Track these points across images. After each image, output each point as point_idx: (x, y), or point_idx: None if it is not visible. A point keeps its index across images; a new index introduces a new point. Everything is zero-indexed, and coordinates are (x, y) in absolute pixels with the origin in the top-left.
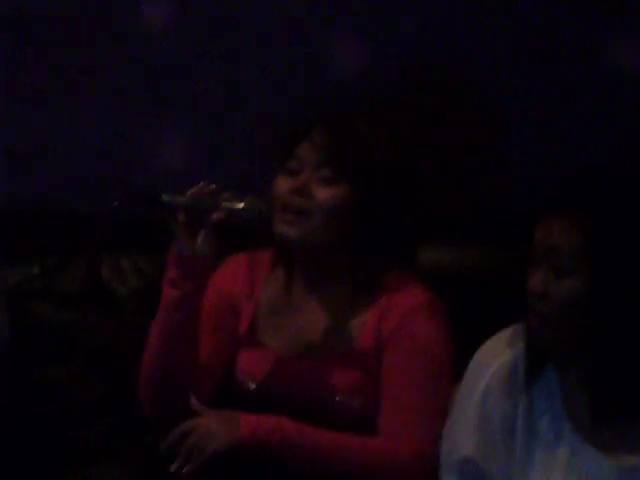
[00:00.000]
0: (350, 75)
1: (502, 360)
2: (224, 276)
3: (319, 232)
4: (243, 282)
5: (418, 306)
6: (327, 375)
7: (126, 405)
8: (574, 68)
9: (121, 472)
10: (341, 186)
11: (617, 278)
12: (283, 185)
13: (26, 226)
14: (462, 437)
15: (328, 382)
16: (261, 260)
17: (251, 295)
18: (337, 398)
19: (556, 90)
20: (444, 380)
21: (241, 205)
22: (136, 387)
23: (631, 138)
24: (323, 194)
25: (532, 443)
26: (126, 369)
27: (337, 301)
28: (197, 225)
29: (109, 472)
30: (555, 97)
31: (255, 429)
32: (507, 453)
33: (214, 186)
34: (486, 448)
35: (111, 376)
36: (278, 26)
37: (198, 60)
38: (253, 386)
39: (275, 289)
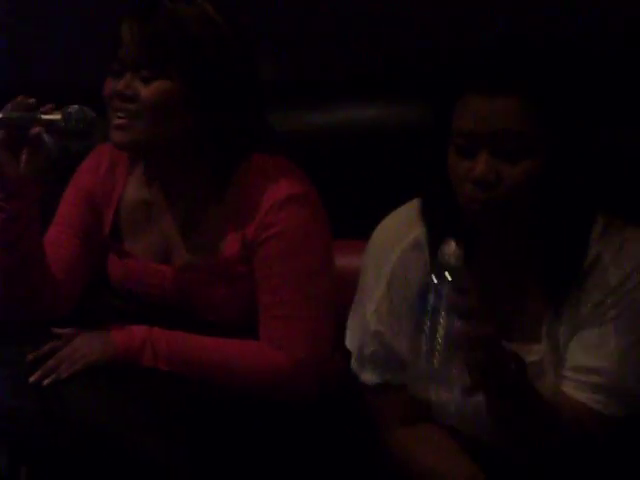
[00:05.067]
0: None
1: (405, 243)
2: (86, 171)
3: (150, 132)
4: (104, 180)
5: (279, 200)
6: (196, 291)
7: None
8: None
9: None
10: (163, 81)
11: (575, 150)
12: (108, 88)
13: None
14: (370, 322)
15: (198, 299)
16: (122, 155)
17: (111, 195)
18: (209, 317)
19: None
20: (321, 278)
21: (59, 116)
22: None
23: None
24: (144, 94)
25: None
26: None
27: (196, 203)
28: (18, 142)
29: None
30: None
31: (127, 340)
32: (416, 332)
33: (32, 100)
34: (395, 327)
35: None
36: None
37: None
38: (121, 300)
39: (134, 189)
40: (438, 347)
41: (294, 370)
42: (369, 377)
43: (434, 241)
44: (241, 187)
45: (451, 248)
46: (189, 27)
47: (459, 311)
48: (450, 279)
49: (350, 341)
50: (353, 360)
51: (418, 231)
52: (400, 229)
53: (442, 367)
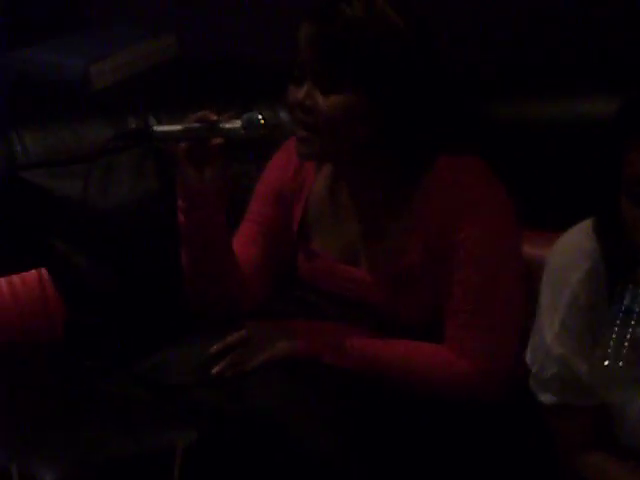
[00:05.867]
0: None
1: (584, 267)
2: (276, 167)
3: (332, 146)
4: (294, 177)
5: (465, 205)
6: (380, 295)
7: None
8: None
9: None
10: (341, 94)
11: None
12: (291, 97)
13: None
14: (552, 346)
15: (381, 302)
16: None
17: (300, 193)
18: (391, 320)
19: None
20: (512, 286)
21: (239, 123)
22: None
23: None
24: (323, 107)
25: None
26: None
27: (382, 207)
28: (200, 153)
29: None
30: None
31: (310, 336)
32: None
33: (214, 117)
34: (575, 349)
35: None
36: None
37: None
38: (312, 296)
39: (322, 188)
40: (626, 345)
41: (478, 381)
42: (549, 397)
43: (611, 267)
44: (426, 191)
45: None
46: (367, 34)
47: None
48: None
49: (530, 359)
50: (532, 379)
51: (596, 255)
52: (577, 252)
53: (628, 368)
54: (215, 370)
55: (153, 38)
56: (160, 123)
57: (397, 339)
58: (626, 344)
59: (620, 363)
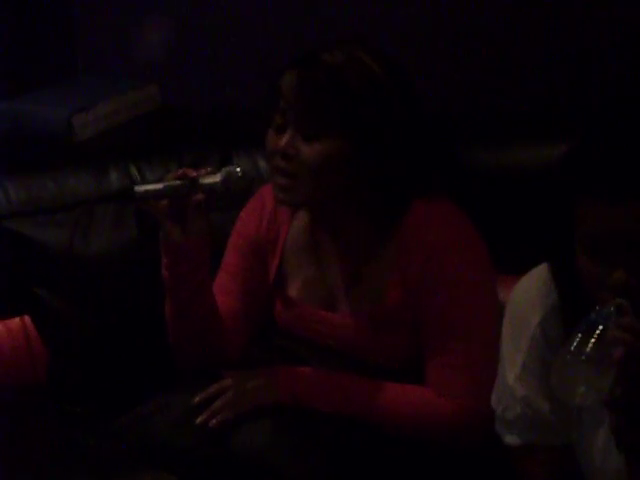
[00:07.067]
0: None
1: (544, 310)
2: (250, 217)
3: (312, 192)
4: (268, 226)
5: (441, 247)
6: (361, 338)
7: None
8: None
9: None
10: (325, 140)
11: None
12: (271, 144)
13: None
14: (515, 387)
15: (362, 344)
16: None
17: (276, 242)
18: (373, 361)
19: None
20: (489, 326)
21: (218, 179)
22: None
23: None
24: (306, 155)
25: None
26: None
27: (360, 251)
28: (180, 210)
29: None
30: None
31: (293, 383)
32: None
33: (193, 173)
34: (538, 389)
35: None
36: None
37: None
38: (291, 344)
39: (298, 235)
40: (591, 342)
41: (458, 419)
42: (513, 439)
43: (569, 309)
44: (403, 234)
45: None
46: (348, 80)
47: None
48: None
49: (495, 401)
50: (497, 421)
51: (554, 297)
52: (536, 296)
53: (587, 366)
54: (199, 420)
55: (136, 88)
56: (141, 172)
57: (379, 381)
58: (592, 341)
59: (583, 357)
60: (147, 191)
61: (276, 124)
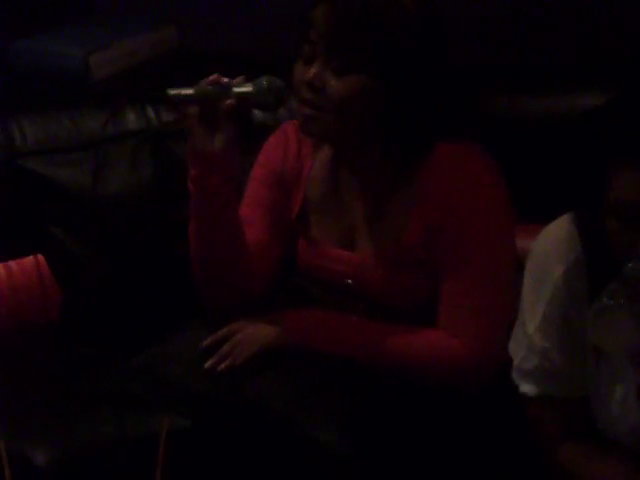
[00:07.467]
0: None
1: (566, 263)
2: (275, 149)
3: (337, 126)
4: (292, 160)
5: (463, 185)
6: (378, 278)
7: None
8: None
9: None
10: (354, 75)
11: None
12: (298, 74)
13: None
14: (534, 338)
15: (379, 285)
16: None
17: (299, 176)
18: (390, 303)
19: None
20: (506, 267)
21: (251, 88)
22: None
23: None
24: (335, 88)
25: None
26: None
27: (383, 190)
28: (211, 117)
29: None
30: None
31: (301, 325)
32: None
33: (226, 79)
34: (557, 342)
35: None
36: None
37: None
38: (308, 284)
39: (321, 170)
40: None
41: (471, 361)
42: (530, 388)
43: (593, 265)
44: (427, 174)
45: None
46: (383, 15)
47: None
48: None
49: (513, 350)
50: (514, 370)
51: (579, 249)
52: (560, 245)
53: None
54: (207, 364)
55: (153, 29)
56: (158, 114)
57: (391, 324)
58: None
59: (622, 301)
60: (179, 94)
61: (305, 55)
